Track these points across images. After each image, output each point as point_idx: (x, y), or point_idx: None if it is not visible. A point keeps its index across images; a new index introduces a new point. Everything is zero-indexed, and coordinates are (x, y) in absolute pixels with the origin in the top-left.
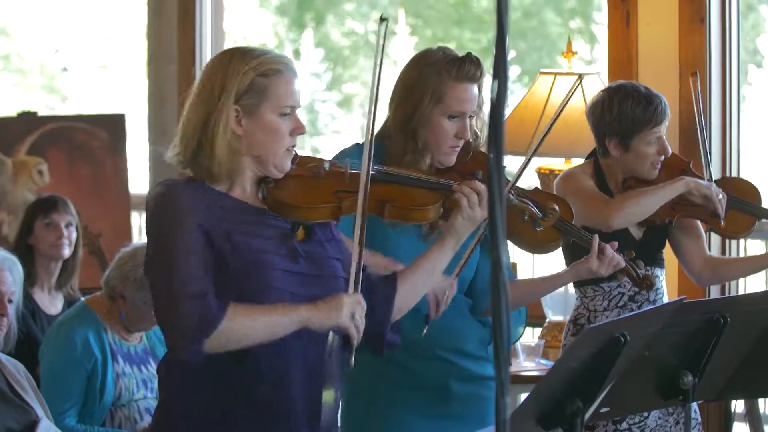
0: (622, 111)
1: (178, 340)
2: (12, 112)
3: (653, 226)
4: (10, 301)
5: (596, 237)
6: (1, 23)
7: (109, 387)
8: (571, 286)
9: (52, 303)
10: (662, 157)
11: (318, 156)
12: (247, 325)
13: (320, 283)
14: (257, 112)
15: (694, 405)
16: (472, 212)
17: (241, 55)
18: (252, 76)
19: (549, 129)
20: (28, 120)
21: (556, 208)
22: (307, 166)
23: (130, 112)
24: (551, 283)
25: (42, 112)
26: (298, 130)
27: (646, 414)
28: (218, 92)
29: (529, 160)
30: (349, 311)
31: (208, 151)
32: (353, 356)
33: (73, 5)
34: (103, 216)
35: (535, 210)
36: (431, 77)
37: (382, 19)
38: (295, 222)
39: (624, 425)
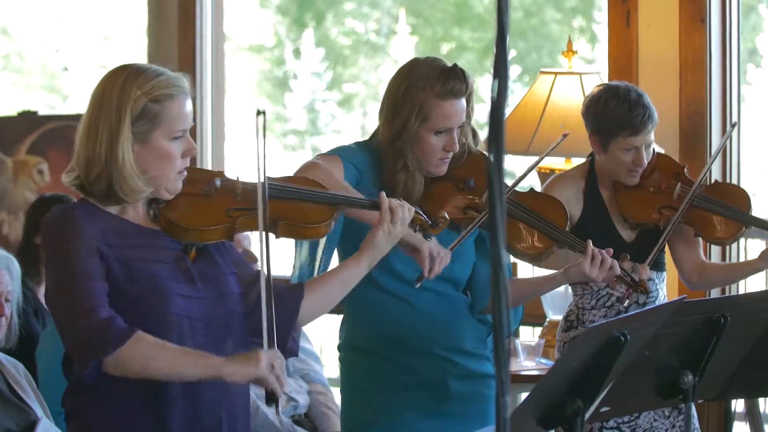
0: (605, 109)
1: (80, 354)
2: (12, 111)
3: (646, 229)
4: (7, 300)
5: (590, 242)
6: (2, 23)
7: None
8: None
9: None
10: (639, 169)
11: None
12: (150, 356)
13: (218, 303)
14: (149, 138)
15: (693, 410)
16: (393, 228)
17: (134, 77)
18: (144, 102)
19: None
20: (28, 119)
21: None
22: (198, 185)
23: None
24: (545, 284)
25: (42, 111)
26: (189, 152)
27: (636, 413)
28: (116, 116)
29: (530, 169)
30: (267, 363)
31: (115, 174)
32: (279, 408)
33: (73, 5)
34: None
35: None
36: (416, 94)
37: (259, 113)
38: (188, 243)
39: (611, 423)
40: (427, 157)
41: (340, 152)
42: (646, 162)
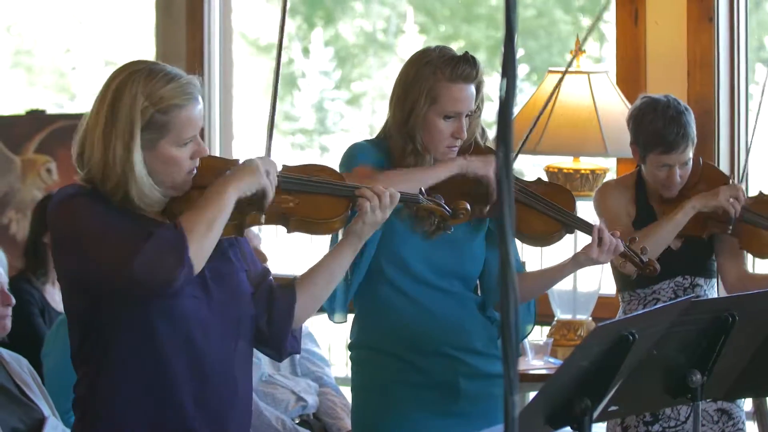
0: (641, 122)
1: (166, 271)
2: (20, 110)
3: (691, 238)
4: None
5: (596, 226)
6: (10, 21)
7: None
8: (581, 286)
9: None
10: (672, 186)
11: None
12: (200, 222)
13: (231, 306)
14: (155, 146)
15: (743, 415)
16: (372, 216)
17: (144, 84)
18: (151, 112)
19: (534, 124)
20: (36, 118)
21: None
22: (211, 177)
23: None
24: (556, 274)
25: (50, 110)
26: (198, 153)
27: (683, 419)
28: (128, 129)
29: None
30: (264, 170)
31: (132, 186)
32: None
33: (82, 4)
34: None
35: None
36: (426, 77)
37: None
38: None
39: (656, 427)
40: (435, 143)
41: (360, 159)
42: (678, 180)
